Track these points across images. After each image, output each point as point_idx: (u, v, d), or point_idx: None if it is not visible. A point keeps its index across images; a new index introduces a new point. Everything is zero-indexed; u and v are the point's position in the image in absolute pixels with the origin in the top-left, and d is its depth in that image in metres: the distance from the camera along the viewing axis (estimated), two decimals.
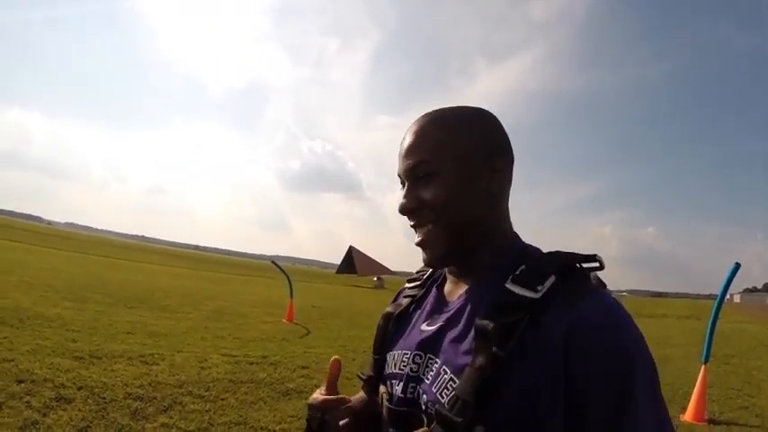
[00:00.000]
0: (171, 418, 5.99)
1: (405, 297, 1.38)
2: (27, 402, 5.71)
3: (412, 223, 1.18)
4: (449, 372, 1.04)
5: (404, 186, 1.18)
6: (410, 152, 1.16)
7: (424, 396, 1.08)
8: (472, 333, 1.03)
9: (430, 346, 1.14)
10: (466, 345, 1.04)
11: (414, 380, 1.14)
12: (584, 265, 1.04)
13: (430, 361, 1.12)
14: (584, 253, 1.05)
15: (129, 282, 22.72)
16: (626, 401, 0.90)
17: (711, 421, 8.07)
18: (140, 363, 8.06)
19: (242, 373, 8.30)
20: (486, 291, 1.08)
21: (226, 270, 60.87)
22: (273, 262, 21.18)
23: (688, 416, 8.14)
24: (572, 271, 1.03)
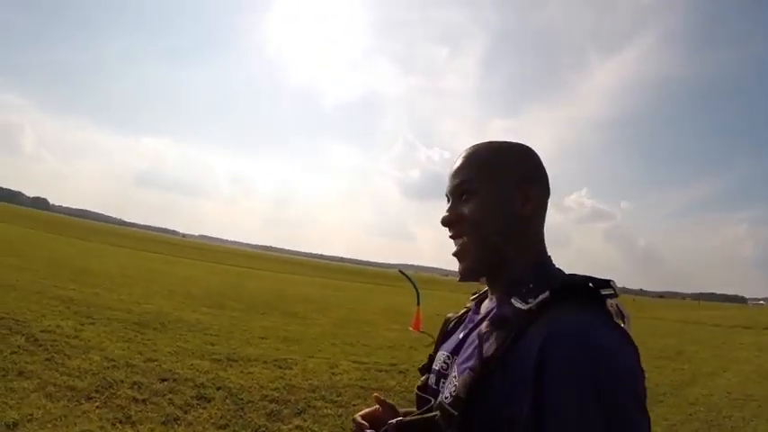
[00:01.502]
0: (305, 421, 6.03)
1: (465, 308, 1.53)
2: (169, 399, 5.94)
3: (450, 234, 1.34)
4: (456, 372, 1.21)
5: (449, 203, 1.35)
6: (456, 173, 1.33)
7: (446, 391, 1.22)
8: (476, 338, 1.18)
9: (457, 349, 1.33)
10: (470, 350, 1.22)
11: (443, 376, 1.35)
12: (603, 291, 1.08)
13: (454, 362, 1.30)
14: (599, 277, 1.09)
15: (259, 289, 23.50)
16: (584, 420, 0.94)
17: None
18: (275, 366, 8.23)
19: (372, 380, 8.31)
20: (501, 305, 1.24)
21: (349, 278, 61.94)
22: (401, 271, 21.20)
23: None
24: (573, 291, 1.09)
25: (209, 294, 17.36)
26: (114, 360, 7.03)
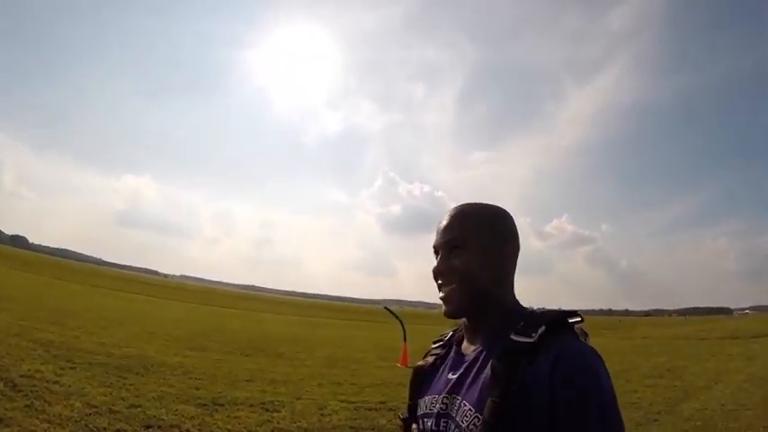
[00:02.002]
0: None
1: (431, 355, 1.70)
2: None
3: (440, 282, 1.53)
4: (468, 405, 1.36)
5: (437, 256, 1.56)
6: (446, 230, 1.55)
7: (454, 427, 1.39)
8: (487, 373, 1.35)
9: (454, 389, 1.46)
10: (481, 383, 1.36)
11: (443, 416, 1.45)
12: (571, 320, 1.39)
13: (455, 400, 1.43)
14: (568, 309, 1.42)
15: (244, 330, 23.25)
16: (587, 417, 1.22)
17: None
18: (262, 410, 8.04)
19: (362, 420, 8.15)
20: (496, 344, 1.40)
21: (334, 315, 61.64)
22: (386, 307, 21.06)
23: None
24: (559, 323, 1.36)
25: (192, 336, 17.11)
26: (96, 406, 6.81)
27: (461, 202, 1.64)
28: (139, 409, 6.99)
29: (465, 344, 1.58)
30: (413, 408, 1.65)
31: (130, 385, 8.34)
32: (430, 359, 1.69)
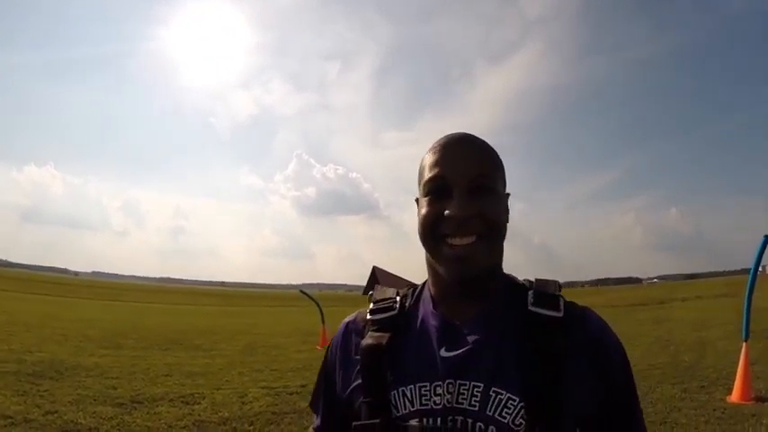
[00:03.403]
0: None
1: (378, 330, 1.27)
2: None
3: (455, 230, 1.14)
4: (505, 392, 1.10)
5: (443, 193, 1.17)
6: (472, 160, 1.19)
7: (479, 424, 1.09)
8: (509, 349, 1.14)
9: (461, 371, 1.14)
10: (512, 362, 1.13)
11: (455, 411, 1.11)
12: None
13: (463, 387, 1.13)
14: (550, 279, 1.26)
15: (160, 324, 22.87)
16: (629, 385, 1.22)
17: (759, 399, 7.95)
18: (182, 404, 8.10)
19: (284, 405, 8.29)
20: (507, 313, 1.20)
21: (254, 303, 61.25)
22: (302, 291, 21.21)
23: (734, 396, 8.03)
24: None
25: (107, 335, 16.73)
26: (11, 416, 6.73)
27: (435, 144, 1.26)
28: (56, 415, 6.93)
29: (448, 308, 1.24)
30: (380, 406, 1.18)
31: (45, 391, 8.22)
32: (380, 334, 1.25)
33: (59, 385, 8.76)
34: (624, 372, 1.21)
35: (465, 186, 1.16)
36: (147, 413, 7.42)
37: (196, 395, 8.66)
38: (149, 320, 25.08)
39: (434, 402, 1.13)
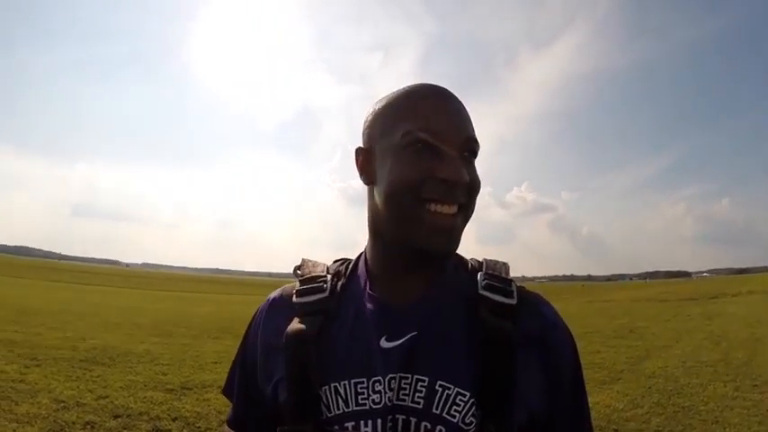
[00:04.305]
0: None
1: (306, 314, 1.07)
2: None
3: (436, 197, 0.97)
4: (453, 386, 0.96)
5: (428, 151, 0.98)
6: (466, 121, 1.03)
7: (424, 424, 0.95)
8: (462, 340, 1.01)
9: (405, 363, 0.98)
10: (461, 353, 1.00)
11: (398, 410, 0.96)
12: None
13: (405, 382, 0.97)
14: (490, 258, 1.13)
15: (209, 314, 23.15)
16: (579, 383, 1.08)
17: None
18: None
19: None
20: (454, 296, 1.07)
21: None
22: None
23: None
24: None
25: (157, 323, 17.02)
26: (64, 401, 6.83)
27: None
28: (107, 400, 7.04)
29: (384, 289, 1.08)
30: (308, 404, 0.99)
31: (97, 377, 8.35)
32: (308, 319, 1.06)
33: (111, 371, 8.90)
34: (575, 369, 1.08)
35: (458, 148, 1.00)
36: (197, 399, 7.47)
37: None
38: (199, 310, 25.44)
39: (373, 401, 0.97)
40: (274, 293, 1.20)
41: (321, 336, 1.03)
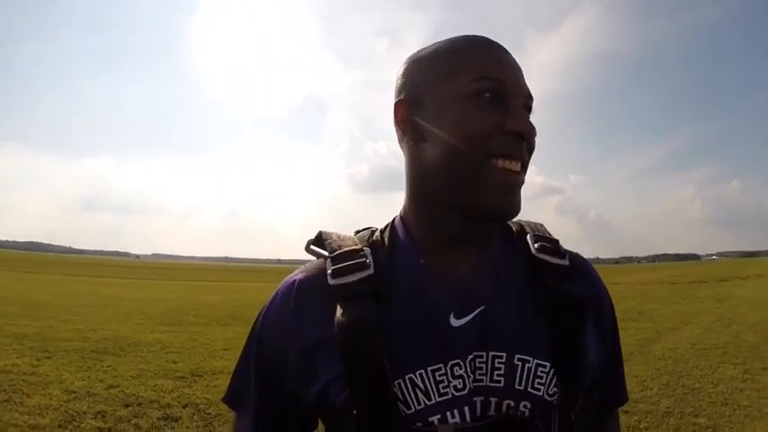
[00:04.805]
0: None
1: (353, 297, 0.89)
2: (135, 424, 5.87)
3: (506, 152, 0.88)
4: (532, 358, 0.87)
5: (496, 101, 0.89)
6: (523, 78, 0.94)
7: (507, 402, 0.85)
8: (529, 307, 0.92)
9: (482, 341, 0.88)
10: (532, 322, 0.91)
11: (481, 392, 0.85)
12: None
13: (479, 360, 0.87)
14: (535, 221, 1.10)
15: (219, 301, 23.23)
16: (617, 335, 1.11)
17: None
18: None
19: None
20: (507, 261, 0.98)
21: None
22: None
23: None
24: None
25: (167, 312, 17.12)
26: (75, 392, 6.90)
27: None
28: (118, 389, 7.10)
29: (439, 259, 0.95)
30: (381, 403, 0.83)
31: (108, 367, 8.43)
32: (359, 303, 0.88)
33: (122, 361, 8.98)
34: (616, 323, 1.10)
35: (522, 102, 0.91)
36: (207, 386, 7.52)
37: None
38: (208, 298, 25.49)
39: (455, 388, 0.85)
40: (296, 277, 1.01)
41: (380, 321, 0.87)
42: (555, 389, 0.86)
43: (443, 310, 0.90)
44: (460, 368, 0.85)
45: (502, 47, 0.95)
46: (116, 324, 13.66)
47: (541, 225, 1.07)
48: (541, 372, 0.87)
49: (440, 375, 0.85)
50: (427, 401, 0.84)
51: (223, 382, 7.57)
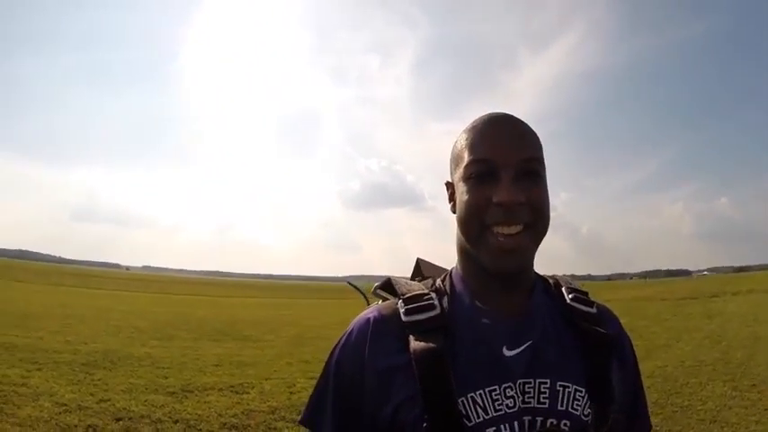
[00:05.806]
0: None
1: (425, 331, 1.09)
2: None
3: (497, 221, 1.06)
4: (571, 384, 1.08)
5: (488, 177, 1.08)
6: (520, 143, 1.11)
7: (551, 420, 1.04)
8: (569, 344, 1.14)
9: (530, 369, 1.08)
10: (571, 356, 1.12)
11: (528, 412, 1.04)
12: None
13: (528, 385, 1.06)
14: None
15: (209, 316, 23.19)
16: (638, 371, 1.30)
17: None
18: (231, 393, 8.19)
19: None
20: (547, 307, 1.19)
21: (300, 295, 61.68)
22: (349, 282, 21.23)
23: None
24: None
25: (158, 326, 17.07)
26: (66, 404, 6.88)
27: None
28: (109, 403, 7.08)
29: (488, 301, 1.15)
30: (447, 417, 1.01)
31: (98, 380, 8.40)
32: (430, 337, 1.08)
33: (112, 374, 8.94)
34: (636, 360, 1.30)
35: (513, 170, 1.07)
36: (198, 402, 7.51)
37: (245, 385, 8.74)
38: (199, 312, 25.46)
39: (507, 406, 1.04)
40: (370, 314, 1.18)
41: (447, 351, 1.06)
42: (589, 410, 1.07)
43: (497, 344, 1.10)
44: (512, 390, 1.05)
45: (497, 121, 1.14)
46: (106, 337, 13.63)
47: (572, 279, 1.30)
48: (579, 396, 1.07)
49: (495, 395, 1.05)
50: (485, 416, 1.04)
51: (214, 399, 7.60)
